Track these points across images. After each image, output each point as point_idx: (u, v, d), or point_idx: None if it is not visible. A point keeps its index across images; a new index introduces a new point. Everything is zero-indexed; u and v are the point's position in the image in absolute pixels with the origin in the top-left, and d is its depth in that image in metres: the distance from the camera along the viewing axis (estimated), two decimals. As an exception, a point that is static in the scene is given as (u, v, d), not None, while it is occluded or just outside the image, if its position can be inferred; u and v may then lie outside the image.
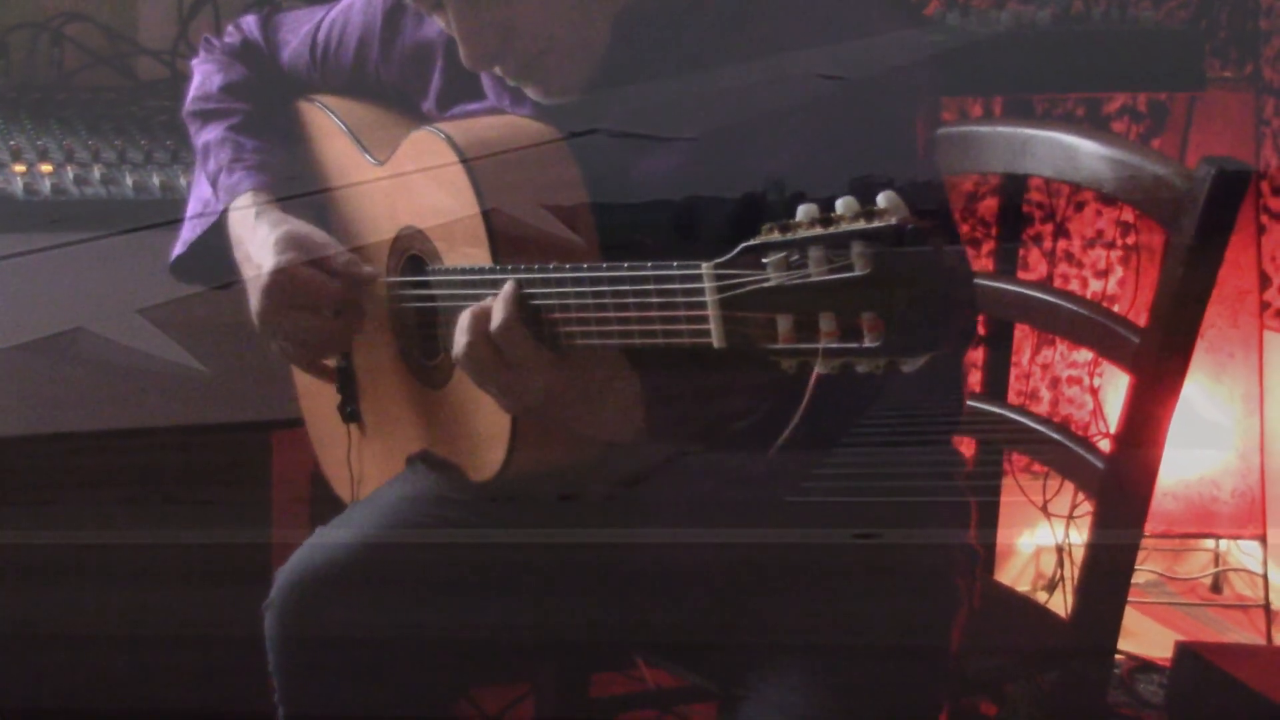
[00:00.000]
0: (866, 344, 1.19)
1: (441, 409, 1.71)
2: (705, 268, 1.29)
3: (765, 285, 1.24)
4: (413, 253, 1.70)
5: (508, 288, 1.46)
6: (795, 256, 1.22)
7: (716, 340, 1.30)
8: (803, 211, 1.23)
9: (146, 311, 1.84)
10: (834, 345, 1.20)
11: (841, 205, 1.21)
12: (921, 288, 1.18)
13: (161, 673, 2.22)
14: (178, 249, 1.88)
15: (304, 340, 1.75)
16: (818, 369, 1.24)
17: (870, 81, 1.55)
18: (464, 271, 1.59)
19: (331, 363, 1.83)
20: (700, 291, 1.30)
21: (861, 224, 1.19)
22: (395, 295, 1.73)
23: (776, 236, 1.24)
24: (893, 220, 1.18)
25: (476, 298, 1.54)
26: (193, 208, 1.89)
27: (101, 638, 2.16)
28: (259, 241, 1.74)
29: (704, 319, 1.30)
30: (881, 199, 1.20)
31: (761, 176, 1.47)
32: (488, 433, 1.62)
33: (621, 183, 1.58)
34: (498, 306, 1.46)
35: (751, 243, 1.26)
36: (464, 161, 1.59)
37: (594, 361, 1.46)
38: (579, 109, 1.62)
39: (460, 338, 1.48)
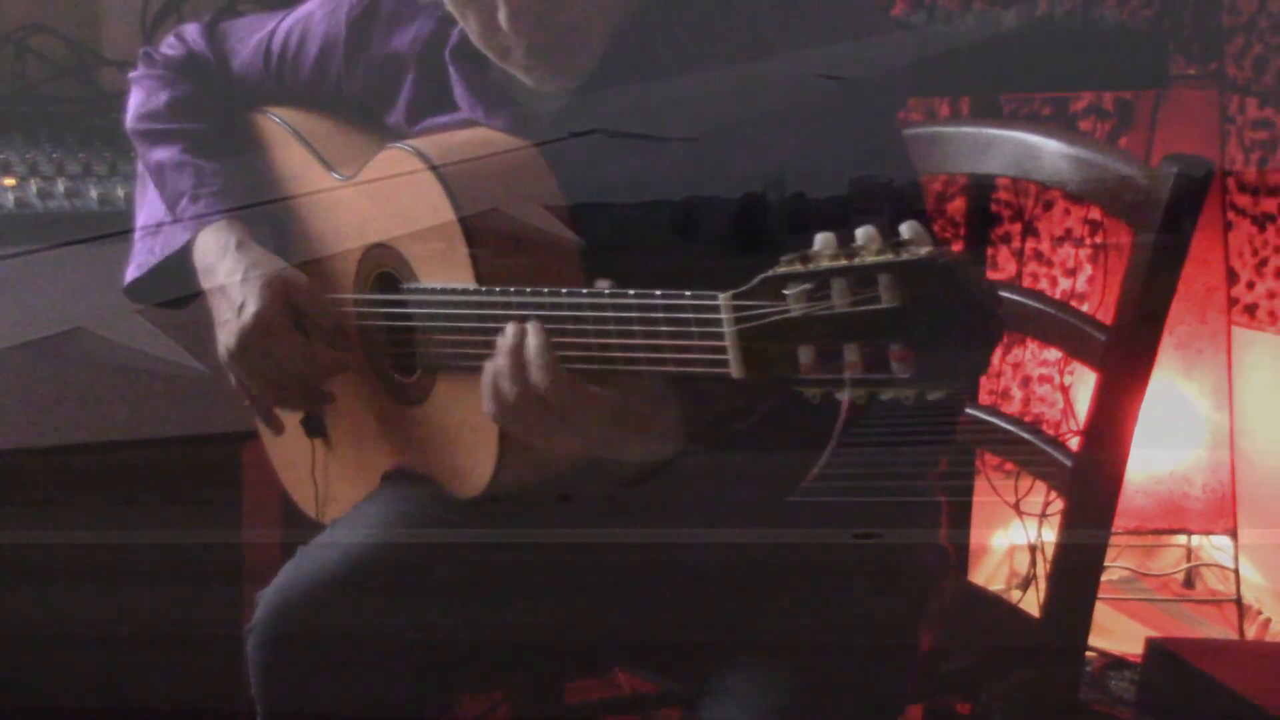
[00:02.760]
0: (896, 375, 1.19)
1: (419, 426, 1.69)
2: (723, 298, 1.29)
3: (789, 316, 1.24)
4: (384, 269, 1.68)
5: (533, 341, 1.43)
6: (817, 288, 1.22)
7: (735, 371, 1.29)
8: (821, 241, 1.23)
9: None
10: (862, 376, 1.20)
11: (862, 236, 1.21)
12: (951, 320, 1.18)
13: (141, 673, 2.22)
14: (133, 272, 1.84)
15: (264, 388, 1.73)
16: (846, 399, 1.24)
17: (862, 83, 1.56)
18: (447, 292, 1.58)
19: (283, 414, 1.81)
20: (718, 322, 1.29)
21: (889, 256, 1.19)
22: (365, 312, 1.72)
23: (798, 268, 1.23)
24: (921, 252, 1.18)
25: (459, 317, 1.54)
26: (143, 227, 1.85)
27: (80, 639, 2.15)
28: (236, 276, 1.70)
29: (722, 349, 1.30)
30: (905, 229, 1.19)
31: (752, 180, 1.47)
32: (472, 450, 1.61)
33: (603, 190, 1.58)
34: (536, 366, 1.42)
35: (772, 273, 1.25)
36: (439, 177, 1.57)
37: (634, 386, 1.43)
38: (554, 120, 1.61)
39: (490, 404, 1.46)
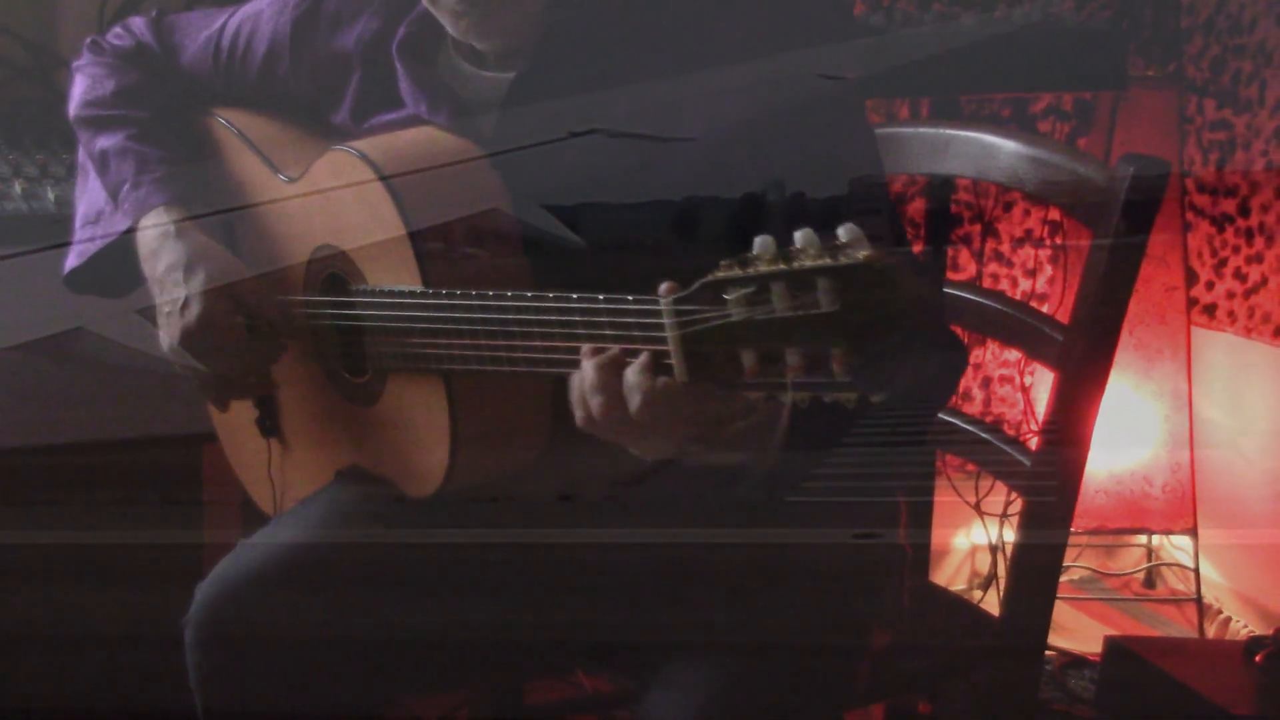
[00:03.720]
0: (837, 379, 1.19)
1: (371, 427, 1.69)
2: (664, 303, 1.29)
3: (730, 320, 1.24)
4: (332, 271, 1.68)
5: (601, 362, 1.37)
6: (757, 292, 1.22)
7: (679, 375, 1.30)
8: (760, 244, 1.23)
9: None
10: (803, 380, 1.21)
11: (801, 239, 1.21)
12: (889, 323, 1.18)
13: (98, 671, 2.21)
14: (72, 260, 1.83)
15: (212, 378, 1.74)
16: (786, 402, 1.24)
17: (834, 85, 1.56)
18: (395, 294, 1.58)
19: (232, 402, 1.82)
20: (660, 326, 1.30)
21: (826, 261, 1.19)
22: (315, 313, 1.71)
23: (737, 273, 1.23)
24: (858, 256, 1.18)
25: (408, 319, 1.53)
26: (84, 216, 1.84)
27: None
28: (176, 266, 1.70)
29: (665, 354, 1.30)
30: (842, 232, 1.19)
31: (712, 184, 1.47)
32: (425, 450, 1.61)
33: (551, 190, 1.57)
34: (634, 386, 1.35)
35: (711, 278, 1.25)
36: (383, 180, 1.57)
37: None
38: (495, 115, 1.61)
39: (579, 413, 1.41)
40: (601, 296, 1.35)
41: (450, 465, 1.57)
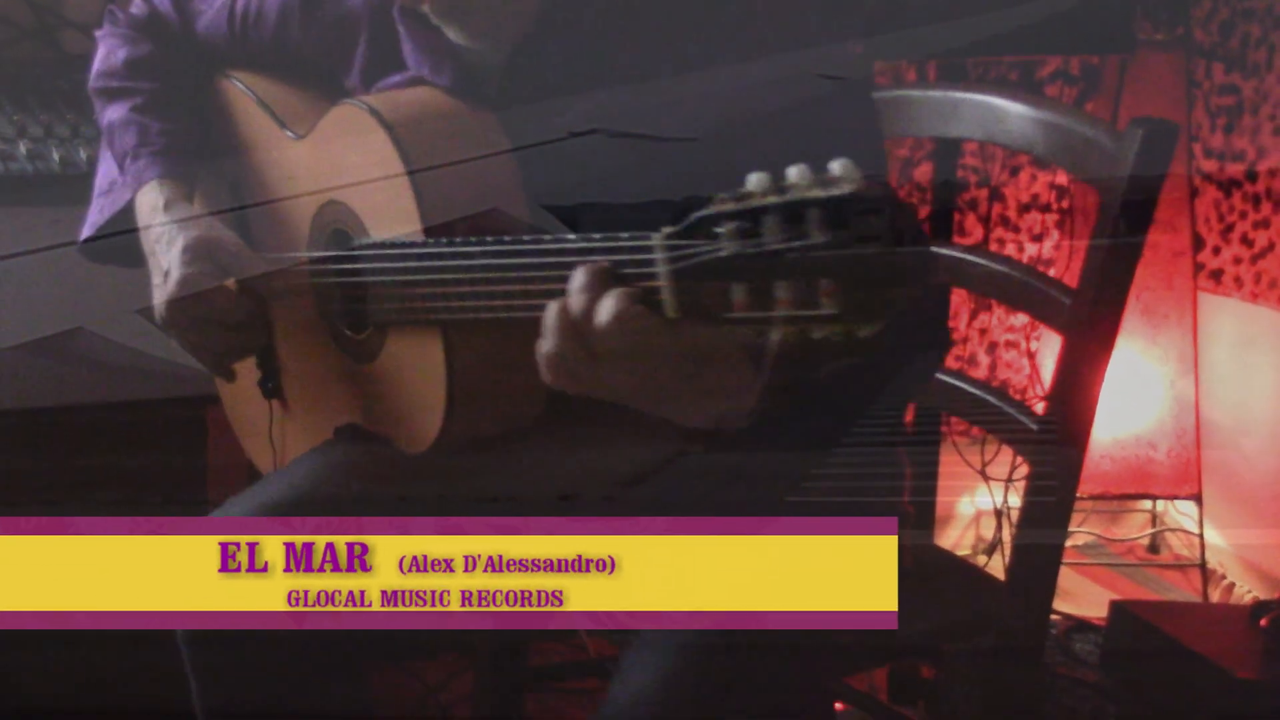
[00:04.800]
0: (824, 311, 1.19)
1: (371, 383, 1.69)
2: (656, 238, 1.28)
3: (719, 255, 1.24)
4: (337, 226, 1.68)
5: (584, 274, 1.32)
6: (749, 226, 1.22)
7: (670, 310, 1.29)
8: (754, 180, 1.22)
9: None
10: (791, 313, 1.20)
11: (795, 173, 1.21)
12: (876, 252, 1.18)
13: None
14: (86, 230, 1.84)
15: (202, 348, 1.73)
16: (775, 336, 1.23)
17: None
18: (395, 245, 1.57)
19: (235, 366, 1.81)
20: (652, 263, 1.29)
21: (817, 192, 1.19)
22: (318, 270, 1.71)
23: (730, 206, 1.23)
24: (848, 188, 1.18)
25: (405, 269, 1.53)
26: (100, 186, 1.85)
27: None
28: (163, 239, 1.71)
29: (656, 290, 1.29)
30: (835, 166, 1.19)
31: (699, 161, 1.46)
32: (422, 405, 1.61)
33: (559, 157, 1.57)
34: (608, 303, 1.30)
35: (704, 213, 1.24)
36: (389, 131, 1.57)
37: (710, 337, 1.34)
38: (498, 78, 1.61)
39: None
40: (598, 235, 1.35)
41: (446, 419, 1.57)
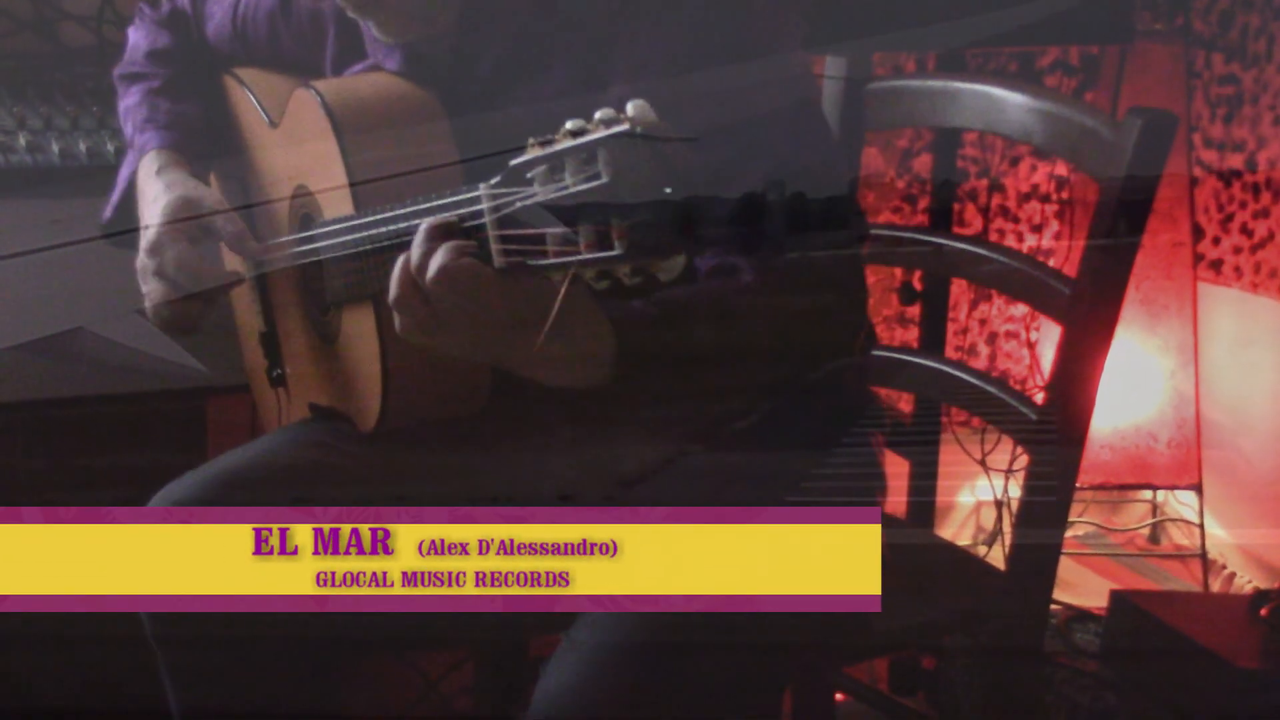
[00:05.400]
0: (616, 251, 1.18)
1: (334, 361, 1.73)
2: (483, 188, 1.29)
3: (531, 200, 1.23)
4: (305, 211, 1.72)
5: (423, 229, 1.34)
6: (552, 169, 1.22)
7: (496, 261, 1.28)
8: (569, 125, 1.23)
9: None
10: (589, 256, 1.20)
11: (600, 115, 1.20)
12: (652, 190, 1.17)
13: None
14: (108, 212, 1.90)
15: (157, 307, 1.75)
16: (567, 282, 1.23)
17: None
18: (332, 223, 1.60)
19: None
20: (481, 214, 1.29)
21: (602, 131, 1.19)
22: (292, 255, 1.74)
23: (538, 152, 1.23)
24: (625, 126, 1.18)
25: (344, 246, 1.56)
26: (125, 177, 1.90)
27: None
28: (151, 198, 1.76)
29: (485, 241, 1.29)
30: (630, 107, 1.19)
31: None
32: (368, 381, 1.63)
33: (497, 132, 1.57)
34: (437, 256, 1.32)
35: (517, 160, 1.25)
36: (330, 116, 1.60)
37: (541, 287, 1.33)
38: (448, 61, 1.63)
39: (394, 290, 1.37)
40: (435, 195, 1.35)
41: (384, 395, 1.59)
